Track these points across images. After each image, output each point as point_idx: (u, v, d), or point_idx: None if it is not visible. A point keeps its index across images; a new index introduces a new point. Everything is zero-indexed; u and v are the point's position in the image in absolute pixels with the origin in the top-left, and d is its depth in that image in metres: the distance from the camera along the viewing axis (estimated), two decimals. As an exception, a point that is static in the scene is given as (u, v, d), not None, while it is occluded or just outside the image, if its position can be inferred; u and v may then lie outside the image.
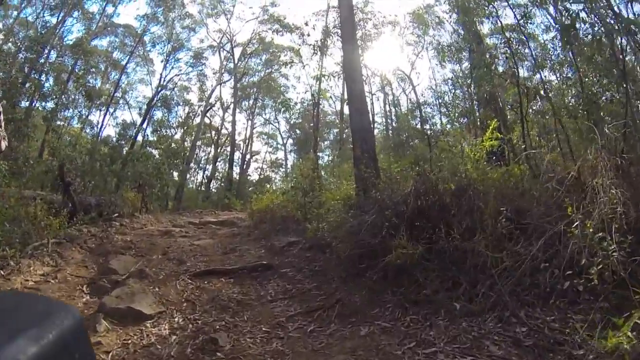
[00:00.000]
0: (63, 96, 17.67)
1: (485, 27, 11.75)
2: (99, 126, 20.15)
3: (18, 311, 0.79)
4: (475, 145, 4.55)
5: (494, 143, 4.54)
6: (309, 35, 14.90)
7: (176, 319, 4.03)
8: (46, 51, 16.19)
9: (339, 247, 4.53)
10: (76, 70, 17.72)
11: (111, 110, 21.59)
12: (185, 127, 23.83)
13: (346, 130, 25.03)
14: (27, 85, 14.21)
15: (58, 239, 7.74)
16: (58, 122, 19.35)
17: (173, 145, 21.78)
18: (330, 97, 21.63)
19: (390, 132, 22.76)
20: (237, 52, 23.78)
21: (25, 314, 0.77)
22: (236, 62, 23.58)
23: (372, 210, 4.41)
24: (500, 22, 8.63)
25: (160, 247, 7.81)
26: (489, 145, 4.47)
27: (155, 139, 21.63)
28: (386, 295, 4.10)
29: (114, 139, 19.33)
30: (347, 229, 4.48)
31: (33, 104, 15.25)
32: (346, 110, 23.25)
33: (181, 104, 23.25)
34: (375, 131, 25.74)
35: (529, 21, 9.54)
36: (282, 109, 8.87)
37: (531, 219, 4.64)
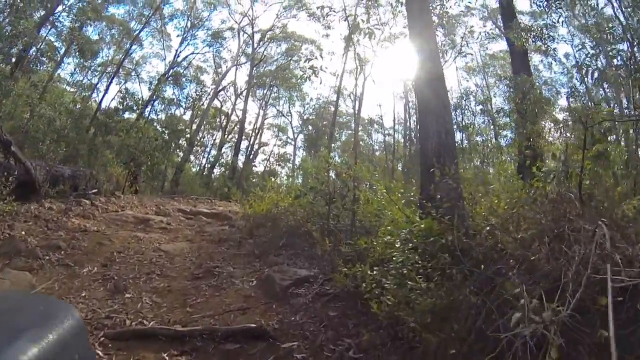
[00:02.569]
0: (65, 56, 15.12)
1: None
2: (103, 94, 17.08)
3: (19, 311, 0.74)
4: None
5: None
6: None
7: None
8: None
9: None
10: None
11: (122, 81, 18.75)
12: (194, 108, 20.85)
13: (360, 133, 22.32)
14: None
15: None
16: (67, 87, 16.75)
17: (181, 126, 18.97)
18: (349, 95, 18.60)
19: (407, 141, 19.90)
20: (257, 37, 20.89)
21: (26, 314, 0.72)
22: (255, 47, 20.64)
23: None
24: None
25: (109, 249, 4.90)
26: None
27: (162, 117, 18.90)
28: None
29: (115, 109, 16.44)
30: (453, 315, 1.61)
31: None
32: (365, 111, 20.45)
33: (193, 81, 20.26)
34: (388, 138, 22.81)
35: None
36: (307, 75, 5.89)
37: None
